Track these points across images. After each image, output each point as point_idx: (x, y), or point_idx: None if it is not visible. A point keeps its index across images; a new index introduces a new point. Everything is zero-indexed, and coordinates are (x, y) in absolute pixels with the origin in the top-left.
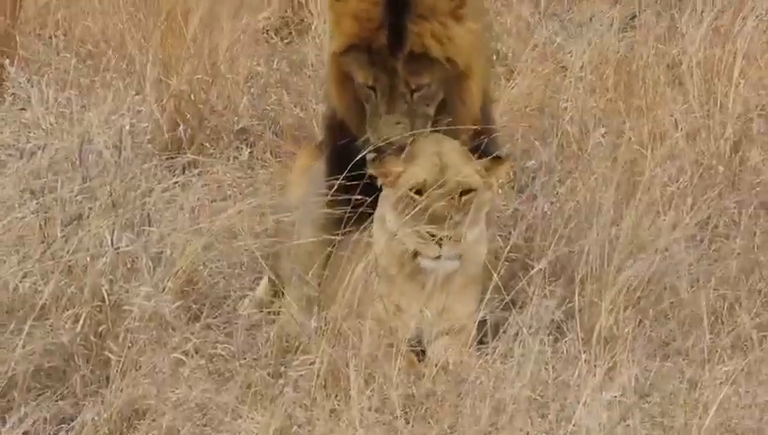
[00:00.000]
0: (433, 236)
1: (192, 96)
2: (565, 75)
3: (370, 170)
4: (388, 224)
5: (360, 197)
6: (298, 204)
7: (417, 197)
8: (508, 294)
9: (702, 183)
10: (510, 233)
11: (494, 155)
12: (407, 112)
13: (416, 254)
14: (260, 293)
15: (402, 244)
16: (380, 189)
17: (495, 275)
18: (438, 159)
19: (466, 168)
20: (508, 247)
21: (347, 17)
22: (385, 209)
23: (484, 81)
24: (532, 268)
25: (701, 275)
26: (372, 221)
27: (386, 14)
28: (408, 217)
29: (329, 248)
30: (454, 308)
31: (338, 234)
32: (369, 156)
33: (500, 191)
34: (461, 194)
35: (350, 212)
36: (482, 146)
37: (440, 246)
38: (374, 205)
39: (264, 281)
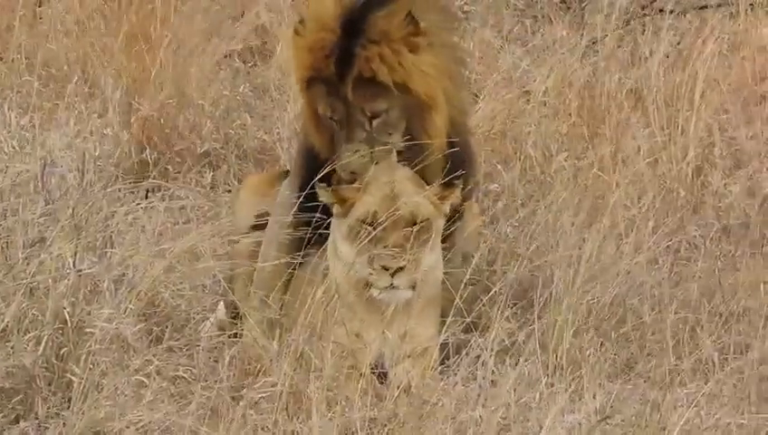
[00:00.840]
0: (385, 267)
1: (161, 120)
2: (528, 100)
3: (323, 198)
4: (341, 253)
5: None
6: (247, 224)
7: (367, 227)
8: (470, 317)
9: (664, 207)
10: (472, 256)
11: (445, 181)
12: (366, 141)
13: (368, 284)
14: (220, 315)
15: (356, 273)
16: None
17: (457, 298)
18: (390, 188)
19: (418, 197)
20: (470, 270)
21: (304, 50)
22: (336, 238)
23: (459, 114)
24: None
25: (663, 299)
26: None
27: (338, 41)
28: (359, 248)
29: (290, 270)
30: (415, 332)
31: (299, 256)
32: (321, 184)
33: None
34: (414, 223)
35: (312, 234)
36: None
37: (392, 276)
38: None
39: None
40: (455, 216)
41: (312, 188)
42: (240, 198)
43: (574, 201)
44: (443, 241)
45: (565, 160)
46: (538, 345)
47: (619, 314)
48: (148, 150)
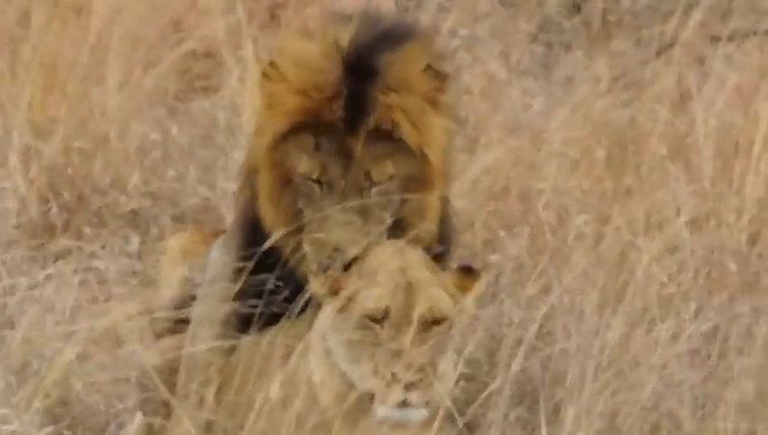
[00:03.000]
0: (398, 379)
1: (69, 169)
2: (540, 148)
3: (314, 288)
4: (334, 357)
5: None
6: (171, 294)
7: (374, 326)
8: (462, 422)
9: (709, 284)
10: (466, 344)
11: (465, 266)
12: (359, 212)
13: (371, 397)
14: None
15: (351, 383)
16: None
17: (446, 399)
18: (403, 277)
19: (437, 289)
20: (461, 362)
21: (286, 94)
22: (328, 335)
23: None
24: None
25: (708, 401)
26: (284, 322)
27: (343, 81)
28: (363, 352)
29: (231, 357)
30: None
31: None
32: (312, 268)
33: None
34: (432, 322)
35: (261, 310)
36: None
37: (406, 389)
38: (287, 302)
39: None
40: None
41: (260, 252)
42: (164, 262)
43: (596, 276)
44: None
45: (585, 225)
46: None
47: (653, 420)
48: (56, 208)
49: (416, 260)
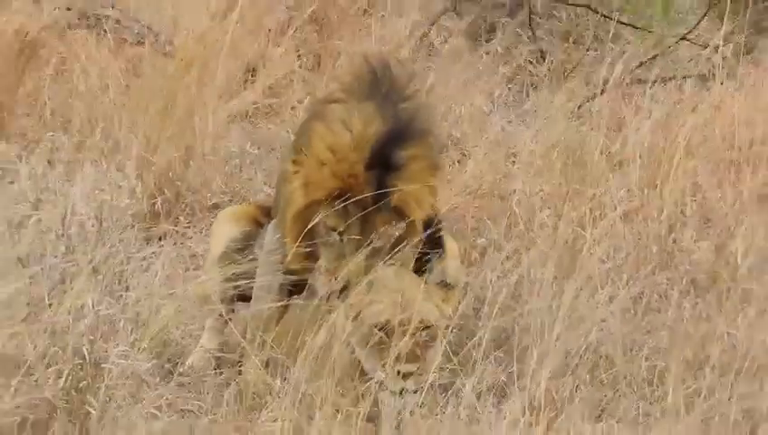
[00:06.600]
0: (399, 372)
1: (170, 173)
2: (515, 161)
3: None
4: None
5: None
6: (218, 251)
7: (379, 333)
8: (457, 360)
9: (637, 261)
10: (459, 302)
11: (444, 281)
12: (370, 255)
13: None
14: (206, 343)
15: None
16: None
17: (444, 342)
18: (400, 296)
19: (427, 303)
20: (457, 316)
21: (325, 176)
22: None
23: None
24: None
25: (634, 345)
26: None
27: (371, 172)
28: (371, 349)
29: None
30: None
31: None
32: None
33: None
34: (422, 329)
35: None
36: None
37: (405, 378)
38: None
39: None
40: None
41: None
42: (215, 224)
43: (554, 255)
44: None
45: (547, 217)
46: (516, 387)
47: (594, 359)
48: (160, 201)
49: (409, 281)
